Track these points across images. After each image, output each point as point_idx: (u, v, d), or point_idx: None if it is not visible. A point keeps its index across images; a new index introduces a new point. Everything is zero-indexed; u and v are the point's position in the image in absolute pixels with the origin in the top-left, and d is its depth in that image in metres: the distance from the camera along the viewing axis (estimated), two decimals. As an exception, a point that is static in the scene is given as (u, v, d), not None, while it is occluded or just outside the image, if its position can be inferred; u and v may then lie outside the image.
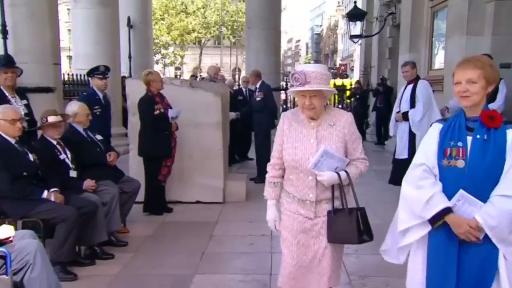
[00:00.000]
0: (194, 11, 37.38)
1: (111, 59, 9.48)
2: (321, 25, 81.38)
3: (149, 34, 15.06)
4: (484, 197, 2.49)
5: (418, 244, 2.74)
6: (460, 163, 2.51)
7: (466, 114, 2.60)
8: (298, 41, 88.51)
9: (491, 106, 8.04)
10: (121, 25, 11.77)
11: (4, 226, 3.25)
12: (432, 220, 2.59)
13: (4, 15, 6.64)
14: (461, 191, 2.52)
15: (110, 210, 5.17)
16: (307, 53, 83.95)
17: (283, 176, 3.13)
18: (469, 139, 2.53)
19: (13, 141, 4.34)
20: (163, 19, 35.07)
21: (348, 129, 2.96)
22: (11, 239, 3.20)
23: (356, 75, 33.48)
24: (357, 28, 15.03)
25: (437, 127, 2.70)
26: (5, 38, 6.61)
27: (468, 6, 7.77)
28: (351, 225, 2.92)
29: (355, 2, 15.17)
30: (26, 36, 6.95)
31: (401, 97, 8.12)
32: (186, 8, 36.89)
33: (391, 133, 8.86)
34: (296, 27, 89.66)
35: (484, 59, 2.63)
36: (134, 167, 7.04)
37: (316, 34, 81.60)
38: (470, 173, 2.49)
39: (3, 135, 4.27)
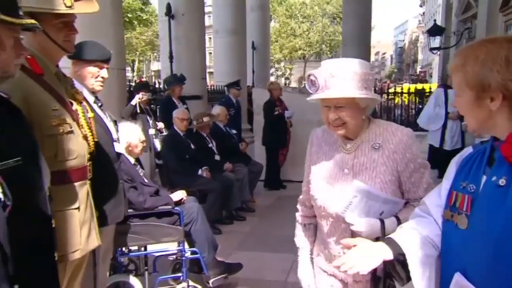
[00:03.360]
0: (300, 34, 37.23)
1: (240, 74, 9.78)
2: (403, 40, 77.08)
3: (267, 53, 15.27)
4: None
5: None
6: (463, 222, 1.11)
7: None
8: (384, 53, 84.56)
9: None
10: (247, 48, 12.05)
11: (178, 191, 3.49)
12: None
13: (171, 46, 7.23)
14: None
15: (242, 185, 5.40)
16: (391, 63, 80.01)
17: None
18: (483, 180, 1.09)
19: (181, 133, 4.75)
20: (276, 41, 35.33)
21: (403, 154, 1.52)
22: (183, 200, 3.45)
23: (434, 81, 31.26)
24: (436, 41, 14.17)
25: (464, 152, 1.25)
26: (171, 61, 7.19)
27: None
28: None
29: (434, 20, 14.33)
30: (184, 59, 7.43)
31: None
32: (294, 31, 36.86)
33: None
34: (382, 42, 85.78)
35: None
36: (257, 153, 7.32)
37: (400, 47, 77.39)
38: (473, 241, 1.07)
39: (176, 128, 4.70)
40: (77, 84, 2.15)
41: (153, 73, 39.21)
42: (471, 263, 1.08)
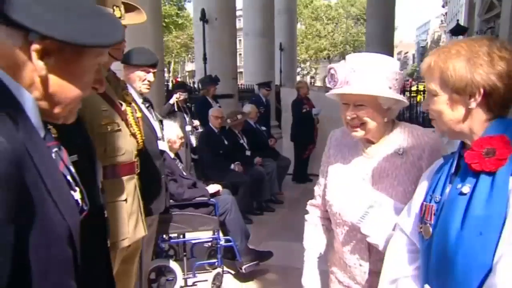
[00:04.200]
0: (325, 35, 36.86)
1: (268, 74, 9.78)
2: (425, 40, 75.00)
3: (294, 54, 15.17)
4: None
5: None
6: (427, 232, 1.03)
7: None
8: (406, 53, 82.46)
9: None
10: (275, 49, 12.01)
11: (214, 184, 3.55)
12: None
13: (205, 48, 7.32)
14: None
15: (271, 178, 5.41)
16: (413, 62, 77.98)
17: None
18: (448, 189, 1.01)
19: (216, 130, 4.80)
20: (302, 42, 35.06)
21: (430, 161, 1.25)
22: (219, 192, 3.51)
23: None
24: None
25: (435, 166, 1.15)
26: (205, 63, 7.29)
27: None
28: None
29: (457, 20, 13.87)
30: (217, 60, 7.50)
31: None
32: (320, 33, 36.55)
33: None
34: (404, 42, 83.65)
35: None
36: (285, 149, 7.31)
37: (422, 47, 75.31)
38: (434, 250, 0.99)
39: (211, 126, 4.75)
40: (128, 86, 2.21)
41: (187, 73, 39.67)
42: (433, 272, 0.99)
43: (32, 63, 0.70)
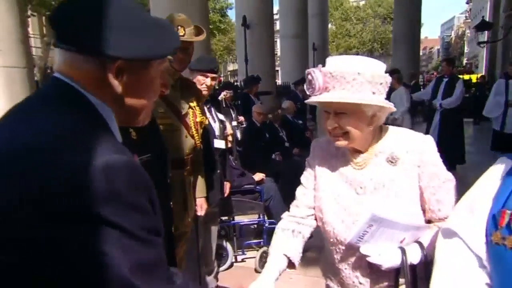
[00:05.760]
0: (354, 34, 35.88)
1: (302, 73, 9.60)
2: (450, 35, 71.06)
3: (326, 53, 14.90)
4: None
5: None
6: None
7: None
8: (431, 48, 78.56)
9: (447, 101, 5.71)
10: (308, 49, 11.84)
11: (259, 173, 3.56)
12: None
13: (246, 50, 7.34)
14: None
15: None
16: (437, 57, 74.23)
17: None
18: None
19: (258, 124, 4.79)
20: (333, 41, 34.30)
21: (425, 166, 1.10)
22: (263, 180, 3.53)
23: (481, 72, 28.67)
24: (483, 35, 12.92)
25: (503, 166, 0.88)
26: (246, 63, 7.32)
27: None
28: None
29: (482, 17, 13.03)
30: (257, 61, 7.54)
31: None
32: (349, 32, 35.63)
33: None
34: (429, 37, 79.70)
35: None
36: (320, 140, 7.22)
37: (446, 42, 71.50)
38: None
39: (254, 120, 4.76)
40: None
41: (229, 72, 39.90)
42: None
43: (108, 83, 0.71)
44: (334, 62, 1.07)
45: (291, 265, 1.18)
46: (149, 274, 0.64)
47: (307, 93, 1.10)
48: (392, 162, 1.12)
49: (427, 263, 1.05)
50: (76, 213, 0.58)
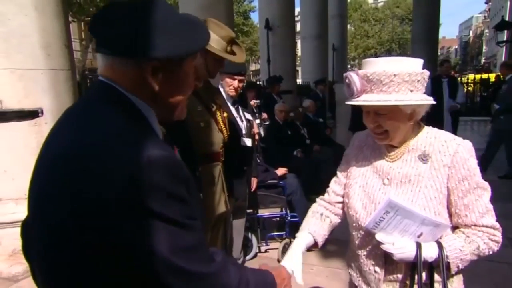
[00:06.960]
0: (373, 35, 35.13)
1: (322, 72, 9.56)
2: (468, 35, 68.39)
3: (345, 53, 14.69)
4: None
5: None
6: None
7: None
8: (449, 47, 75.89)
9: (460, 99, 5.59)
10: (328, 49, 11.66)
11: (281, 169, 3.54)
12: None
13: (268, 51, 7.31)
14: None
15: (328, 163, 5.31)
16: (455, 56, 71.63)
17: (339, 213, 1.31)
18: None
19: (281, 122, 4.77)
20: (352, 42, 33.71)
21: (457, 168, 1.06)
22: (285, 175, 3.50)
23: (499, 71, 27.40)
24: (502, 35, 12.37)
25: None
26: (268, 64, 7.28)
27: None
28: None
29: (502, 16, 12.48)
30: (278, 62, 7.49)
31: None
32: (367, 33, 34.91)
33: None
34: (447, 37, 77.02)
35: None
36: (339, 137, 7.12)
37: (464, 41, 68.89)
38: None
39: (276, 118, 4.74)
40: (221, 90, 2.27)
41: (251, 72, 39.91)
42: None
43: (146, 82, 0.72)
44: (371, 65, 1.06)
45: (315, 244, 1.23)
46: (191, 255, 0.68)
47: (346, 95, 1.10)
48: (423, 159, 1.10)
49: (447, 267, 1.03)
50: (127, 203, 0.61)
